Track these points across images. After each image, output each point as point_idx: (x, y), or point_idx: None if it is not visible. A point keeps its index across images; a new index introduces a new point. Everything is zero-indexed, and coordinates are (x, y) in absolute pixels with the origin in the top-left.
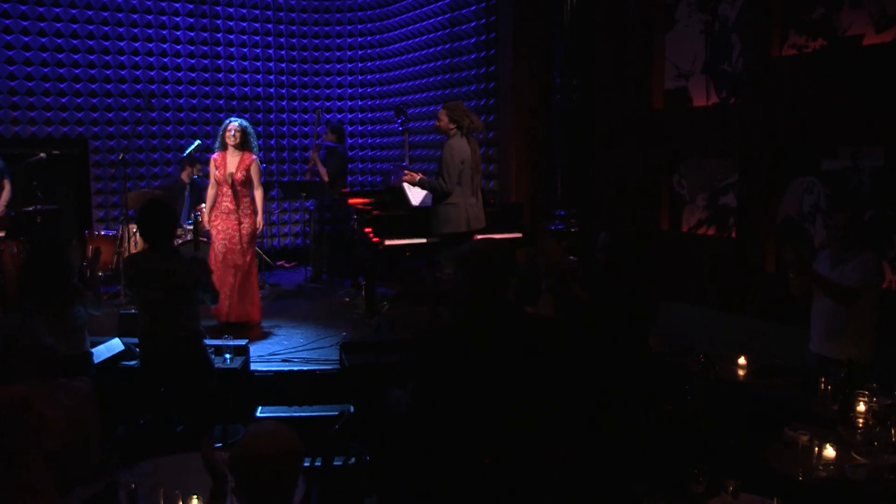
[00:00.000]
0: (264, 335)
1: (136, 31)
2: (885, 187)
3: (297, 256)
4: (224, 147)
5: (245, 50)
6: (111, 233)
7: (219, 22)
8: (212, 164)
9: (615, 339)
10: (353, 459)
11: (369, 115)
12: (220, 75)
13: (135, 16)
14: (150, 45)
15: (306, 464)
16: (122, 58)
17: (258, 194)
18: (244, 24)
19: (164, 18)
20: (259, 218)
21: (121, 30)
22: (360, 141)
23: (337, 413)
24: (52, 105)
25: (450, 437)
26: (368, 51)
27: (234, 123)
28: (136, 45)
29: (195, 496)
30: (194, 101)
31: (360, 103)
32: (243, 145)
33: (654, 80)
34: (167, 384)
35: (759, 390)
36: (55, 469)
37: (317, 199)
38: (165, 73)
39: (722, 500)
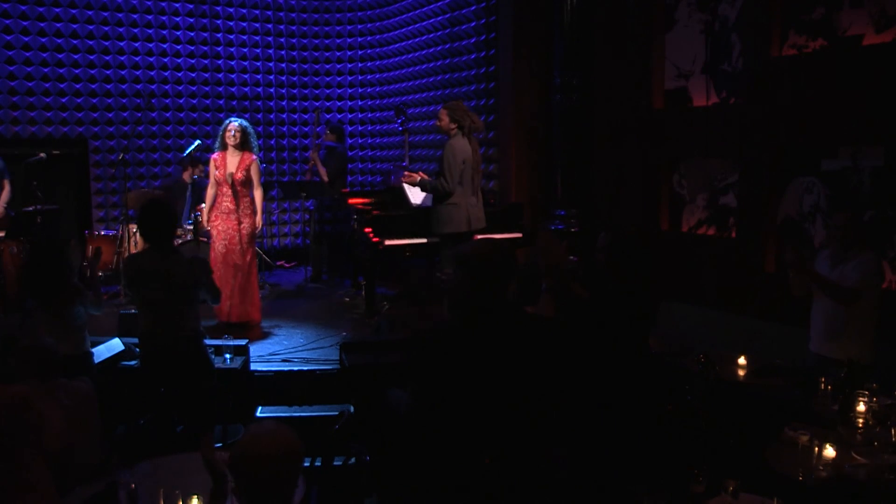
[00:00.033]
0: (264, 335)
1: (136, 31)
2: (885, 187)
3: (297, 256)
4: (224, 147)
5: (245, 50)
6: (111, 233)
7: (219, 22)
8: (212, 164)
9: (615, 339)
10: (353, 459)
11: (369, 115)
12: (220, 75)
13: (135, 16)
14: (150, 45)
15: (306, 464)
16: (122, 58)
17: (258, 194)
18: (244, 24)
19: (164, 18)
20: (258, 218)
21: (121, 30)
22: (360, 141)
23: (337, 413)
24: (52, 105)
25: (450, 438)
26: (368, 51)
27: (234, 123)
28: (136, 45)
29: (195, 496)
30: (194, 101)
31: (360, 103)
32: (243, 145)
33: (654, 80)
34: (167, 384)
35: (759, 390)
36: (55, 469)
37: (317, 199)
38: (165, 73)
39: (722, 500)
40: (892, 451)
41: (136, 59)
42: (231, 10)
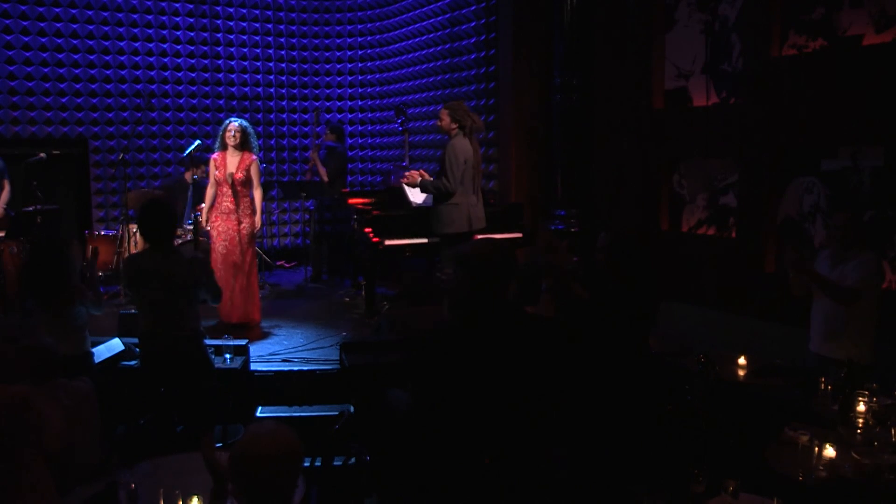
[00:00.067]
0: (264, 335)
1: (136, 31)
2: (885, 187)
3: (297, 256)
4: (224, 147)
5: (245, 50)
6: (111, 233)
7: (219, 22)
8: (211, 164)
9: (615, 339)
10: (353, 459)
11: (369, 115)
12: (220, 75)
13: (135, 16)
14: (150, 45)
15: (306, 464)
16: (122, 58)
17: (257, 194)
18: (244, 24)
19: (164, 18)
20: (257, 218)
21: (121, 30)
22: (360, 141)
23: (337, 413)
24: (52, 105)
25: (450, 438)
26: (368, 51)
27: (234, 123)
28: (136, 45)
29: (195, 496)
30: (194, 101)
31: (360, 103)
32: (243, 145)
33: (654, 80)
34: (167, 384)
35: (759, 390)
36: (55, 469)
37: (317, 199)
38: (165, 73)
39: (722, 500)
40: (892, 451)
41: (136, 59)
42: (231, 10)
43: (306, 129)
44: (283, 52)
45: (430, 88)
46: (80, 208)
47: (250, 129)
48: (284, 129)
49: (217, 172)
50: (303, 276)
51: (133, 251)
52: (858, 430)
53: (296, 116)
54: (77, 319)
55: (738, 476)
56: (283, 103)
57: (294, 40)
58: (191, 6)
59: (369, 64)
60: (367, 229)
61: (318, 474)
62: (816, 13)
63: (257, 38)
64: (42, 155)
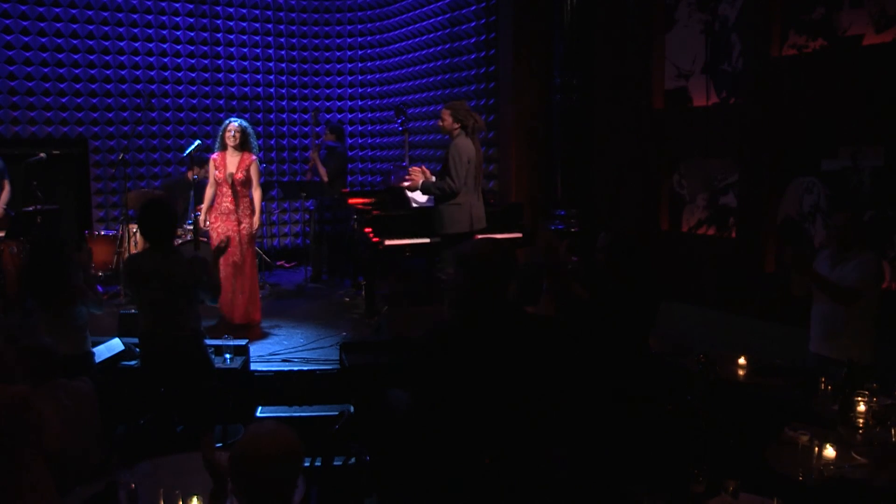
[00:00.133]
0: (264, 335)
1: (136, 31)
2: (885, 187)
3: (297, 256)
4: (224, 147)
5: (245, 50)
6: (111, 233)
7: (219, 22)
8: (211, 164)
9: (615, 339)
10: (353, 459)
11: (369, 115)
12: (220, 75)
13: (135, 16)
14: (150, 45)
15: (306, 464)
16: (122, 58)
17: (257, 194)
18: (244, 24)
19: (164, 18)
20: (256, 218)
21: (121, 30)
22: (360, 141)
23: (337, 413)
24: (52, 105)
25: (450, 438)
26: (368, 51)
27: (234, 124)
28: (136, 45)
29: (195, 496)
30: (194, 101)
31: (360, 103)
32: (243, 145)
33: (654, 80)
34: (167, 384)
35: (759, 390)
36: (55, 469)
37: (317, 199)
38: (165, 73)
39: (722, 500)
40: (892, 450)
41: (136, 59)
42: (231, 10)
43: (306, 129)
44: (282, 52)
45: (430, 88)
46: (80, 208)
47: (250, 130)
48: (284, 129)
49: (217, 172)
50: (303, 276)
51: (133, 251)
52: (858, 430)
53: (296, 116)
54: (77, 319)
55: (738, 476)
56: (283, 103)
57: (294, 40)
58: (191, 6)
59: (369, 64)
60: (367, 229)
61: (318, 474)
62: (816, 13)
63: (257, 38)
64: (42, 155)
